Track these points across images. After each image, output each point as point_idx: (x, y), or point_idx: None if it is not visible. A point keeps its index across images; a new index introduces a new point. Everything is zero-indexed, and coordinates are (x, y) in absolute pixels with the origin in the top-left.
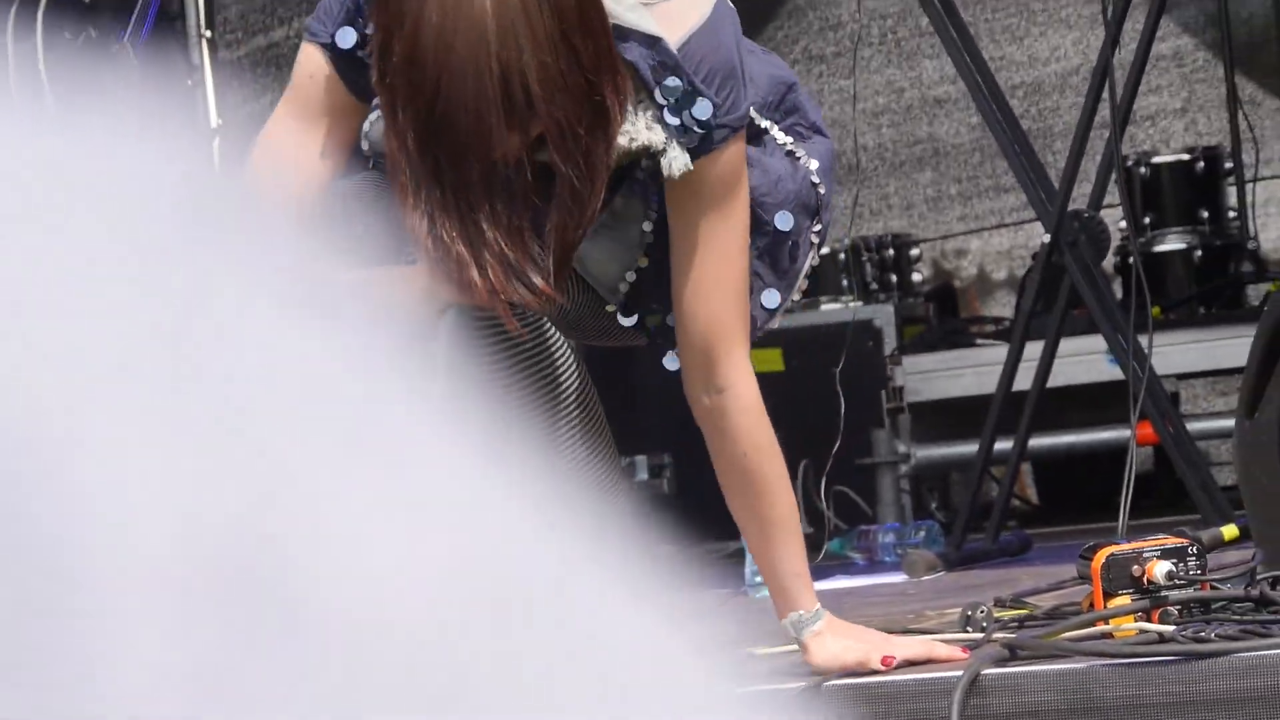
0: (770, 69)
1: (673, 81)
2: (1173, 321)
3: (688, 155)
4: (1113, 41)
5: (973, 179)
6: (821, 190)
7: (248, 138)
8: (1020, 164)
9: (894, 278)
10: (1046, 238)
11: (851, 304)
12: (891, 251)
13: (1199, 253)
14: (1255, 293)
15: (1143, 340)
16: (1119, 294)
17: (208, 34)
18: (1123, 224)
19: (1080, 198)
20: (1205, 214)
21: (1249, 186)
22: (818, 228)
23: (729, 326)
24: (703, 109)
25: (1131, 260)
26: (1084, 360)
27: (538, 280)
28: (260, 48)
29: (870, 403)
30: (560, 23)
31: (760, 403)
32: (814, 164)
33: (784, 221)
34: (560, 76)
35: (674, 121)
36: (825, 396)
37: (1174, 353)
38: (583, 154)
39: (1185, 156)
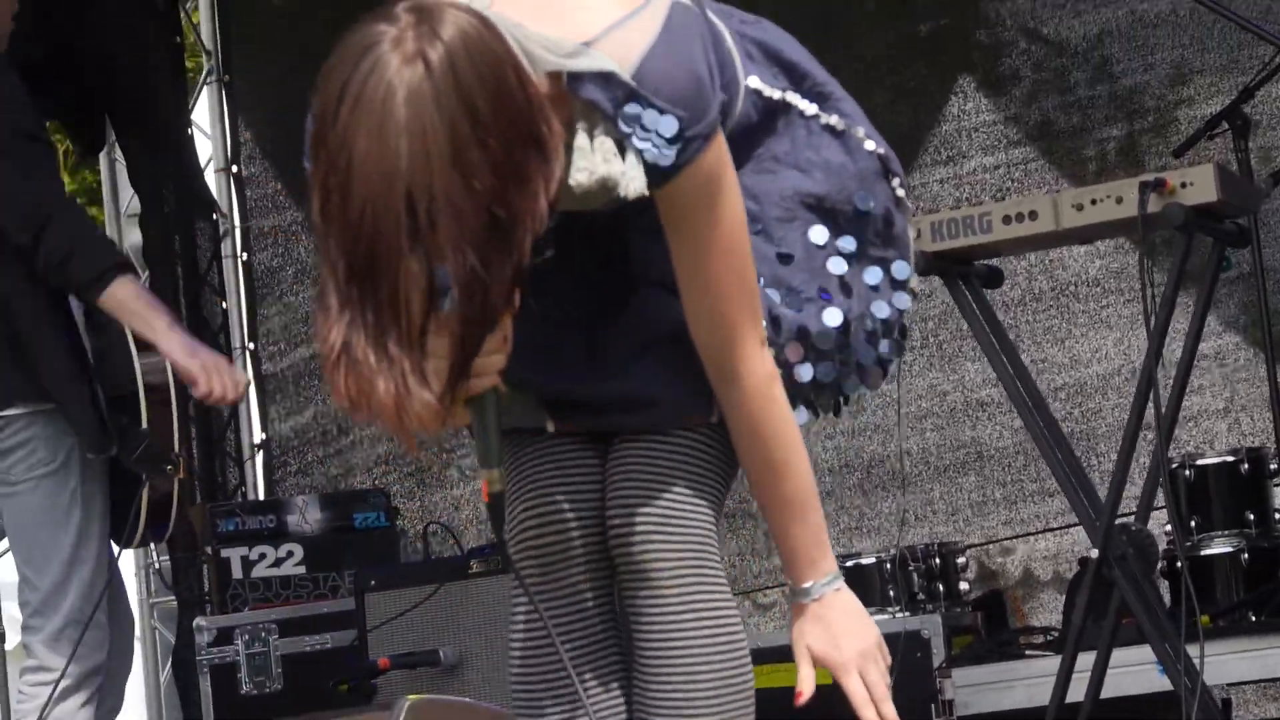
0: (768, 38)
1: (632, 108)
2: (1223, 630)
3: (643, 178)
4: (1156, 354)
5: (1017, 483)
6: (881, 150)
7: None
8: (1064, 472)
9: (941, 586)
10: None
11: (899, 615)
12: (938, 560)
13: (1246, 555)
14: None
15: (1193, 651)
16: (1167, 598)
17: (251, 346)
18: (1169, 527)
19: (1127, 500)
20: (1251, 516)
21: None
22: (896, 182)
23: (730, 320)
24: (668, 125)
25: (1179, 564)
26: (1133, 671)
27: (430, 399)
28: (303, 359)
29: (921, 717)
30: (472, 128)
31: (770, 389)
32: (860, 129)
33: (865, 201)
34: (463, 194)
35: (642, 145)
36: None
37: (1225, 661)
38: (481, 270)
39: (1230, 458)
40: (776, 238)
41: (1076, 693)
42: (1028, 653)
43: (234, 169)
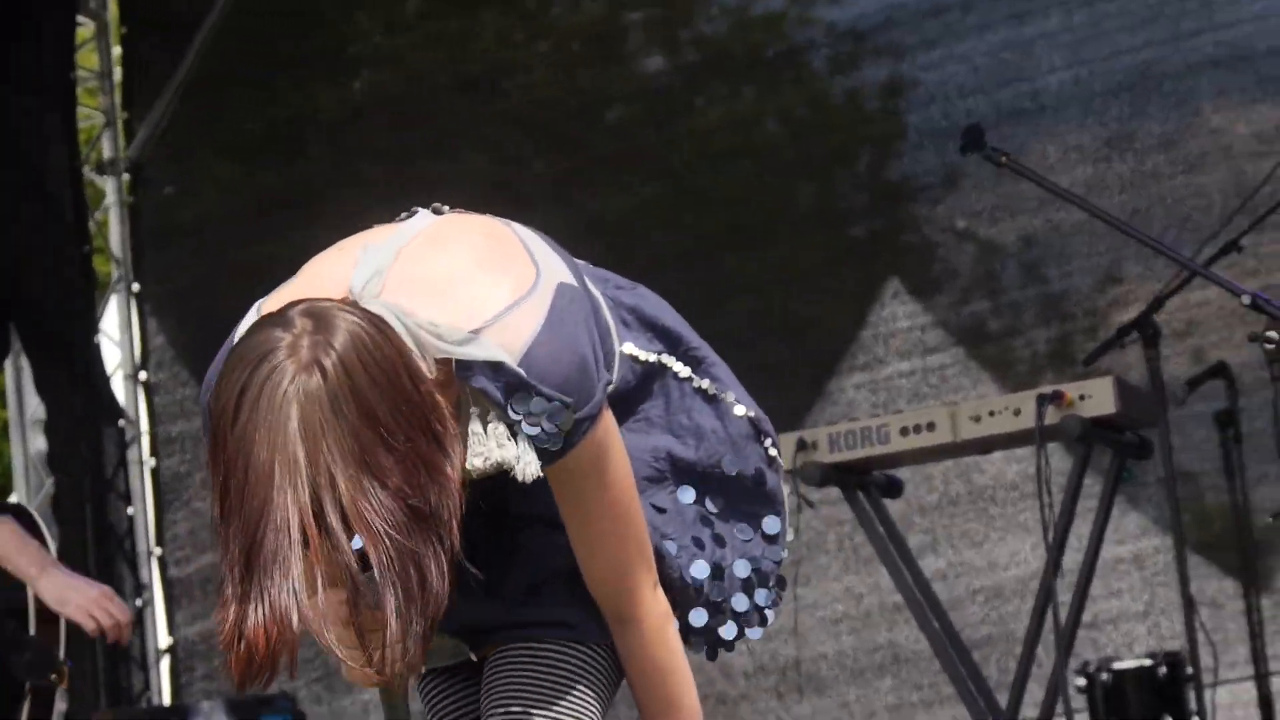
0: (643, 304)
1: (521, 396)
2: None
3: (538, 462)
4: (1054, 564)
5: (934, 685)
6: (751, 414)
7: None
8: (962, 679)
9: None
10: None
11: None
12: None
13: None
14: None
15: None
16: None
17: (158, 551)
18: None
19: (1032, 705)
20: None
21: (1209, 691)
22: (768, 443)
23: (624, 570)
24: (557, 414)
25: None
26: None
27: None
28: (210, 564)
29: None
30: (375, 432)
31: (664, 628)
32: (730, 395)
33: (733, 466)
34: (377, 495)
35: (532, 432)
36: None
37: None
38: (411, 557)
39: (1147, 662)
40: (647, 495)
41: None
42: None
43: (142, 375)
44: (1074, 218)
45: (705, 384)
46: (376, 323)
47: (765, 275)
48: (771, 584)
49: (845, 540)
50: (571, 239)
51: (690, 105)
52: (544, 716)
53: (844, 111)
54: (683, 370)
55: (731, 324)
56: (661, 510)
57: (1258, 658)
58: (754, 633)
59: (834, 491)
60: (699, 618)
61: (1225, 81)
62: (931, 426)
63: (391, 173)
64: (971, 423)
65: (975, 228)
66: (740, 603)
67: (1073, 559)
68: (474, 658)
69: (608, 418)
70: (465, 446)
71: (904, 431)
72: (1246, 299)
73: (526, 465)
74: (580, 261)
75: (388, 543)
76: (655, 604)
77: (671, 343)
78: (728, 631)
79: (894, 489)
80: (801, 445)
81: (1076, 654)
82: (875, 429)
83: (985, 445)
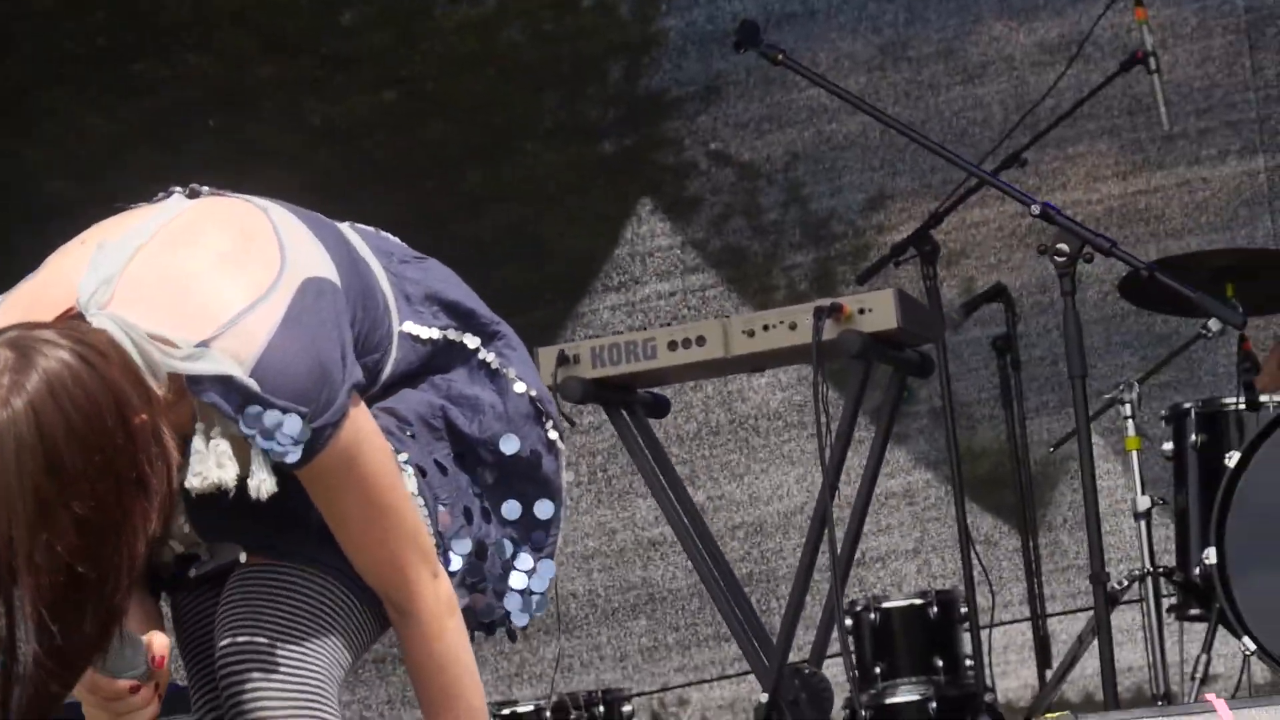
0: (428, 278)
1: (253, 409)
2: None
3: (272, 479)
4: (830, 488)
5: (691, 626)
6: (534, 392)
7: None
8: (734, 616)
9: None
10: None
11: None
12: (602, 708)
13: (934, 704)
14: None
15: None
16: None
17: None
18: (853, 674)
19: (804, 647)
20: (940, 662)
21: (985, 633)
22: (549, 424)
23: (396, 565)
24: (291, 424)
25: (861, 714)
26: None
27: None
28: None
29: None
30: (58, 489)
31: (443, 619)
32: (513, 371)
33: (509, 444)
34: (45, 555)
35: (267, 446)
36: None
37: None
38: (55, 630)
39: (918, 601)
40: (430, 448)
41: None
42: None
43: None
44: (845, 129)
45: (490, 358)
46: (90, 351)
47: (510, 191)
48: (536, 568)
49: (598, 472)
50: (300, 148)
51: (429, 8)
52: (272, 651)
53: (593, 16)
54: (471, 341)
55: (475, 242)
56: (443, 470)
57: (1033, 598)
58: (519, 618)
59: (586, 419)
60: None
61: None
62: (701, 341)
63: (108, 74)
64: (745, 337)
65: (739, 141)
66: (499, 582)
67: (840, 493)
68: (243, 558)
69: (357, 418)
70: (186, 467)
71: (672, 346)
72: (1036, 209)
73: (261, 483)
74: (369, 230)
75: (42, 611)
76: (435, 596)
77: (460, 317)
78: (485, 613)
79: (660, 408)
80: (563, 359)
81: (845, 594)
82: (641, 343)
83: (759, 362)
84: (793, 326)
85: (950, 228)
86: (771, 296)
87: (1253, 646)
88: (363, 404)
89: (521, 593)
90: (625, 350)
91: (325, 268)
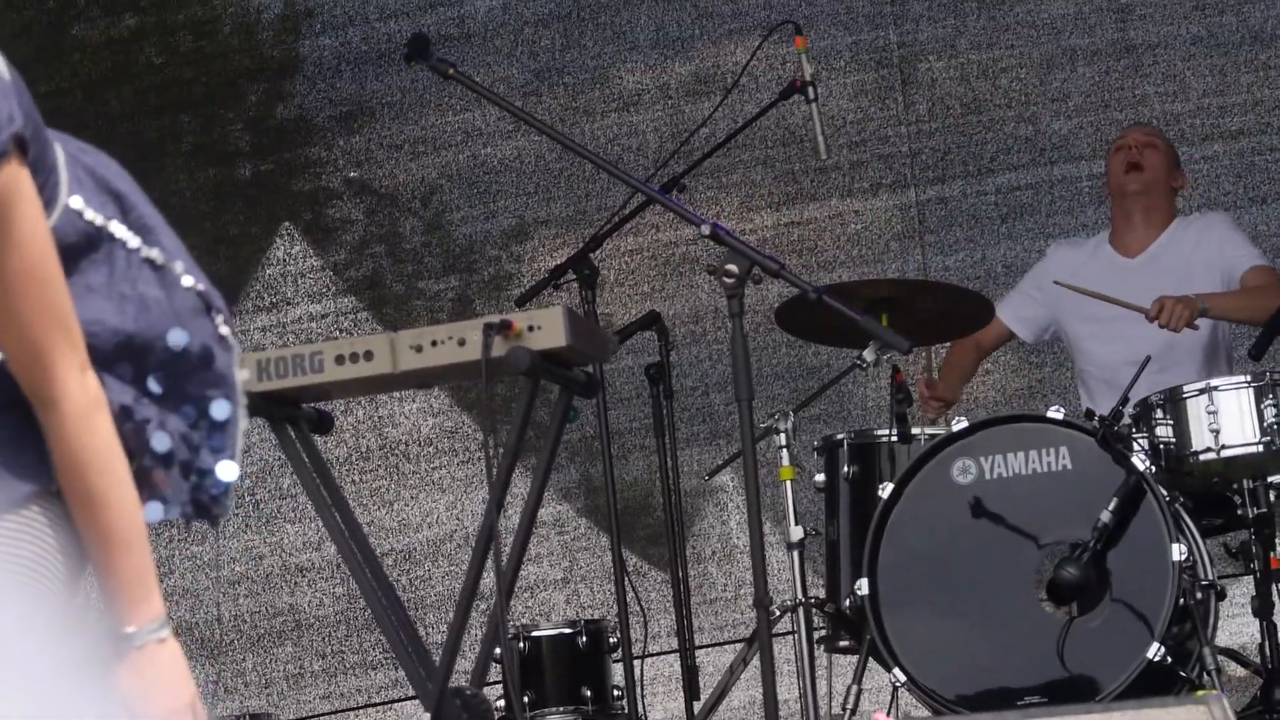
0: (98, 165)
1: None
2: None
3: None
4: (498, 504)
5: (338, 654)
6: (200, 286)
7: None
8: (398, 638)
9: None
10: (426, 717)
11: None
12: None
13: None
14: None
15: None
16: None
17: None
18: (499, 702)
19: (462, 673)
20: (589, 692)
21: (636, 663)
22: (219, 319)
23: (39, 346)
24: None
25: None
26: None
27: None
28: None
29: None
30: None
31: (90, 417)
32: (179, 264)
33: (178, 339)
34: None
35: None
36: None
37: None
38: None
39: (567, 630)
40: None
41: None
42: None
43: None
44: (501, 153)
45: (154, 254)
46: None
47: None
48: (209, 474)
49: (246, 495)
50: None
51: (68, 25)
52: None
53: (232, 39)
54: (132, 240)
55: None
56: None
57: (682, 628)
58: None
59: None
60: None
61: (663, 15)
62: (369, 355)
63: None
64: (412, 352)
65: (392, 163)
66: (178, 494)
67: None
68: None
69: (14, 173)
70: None
71: (339, 360)
72: (706, 229)
73: None
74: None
75: None
76: (80, 388)
77: (123, 208)
78: (150, 512)
79: (325, 424)
80: None
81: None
82: (308, 356)
83: (426, 378)
84: (461, 343)
85: (604, 254)
86: (414, 324)
87: (903, 678)
88: (26, 173)
89: (194, 502)
90: (292, 364)
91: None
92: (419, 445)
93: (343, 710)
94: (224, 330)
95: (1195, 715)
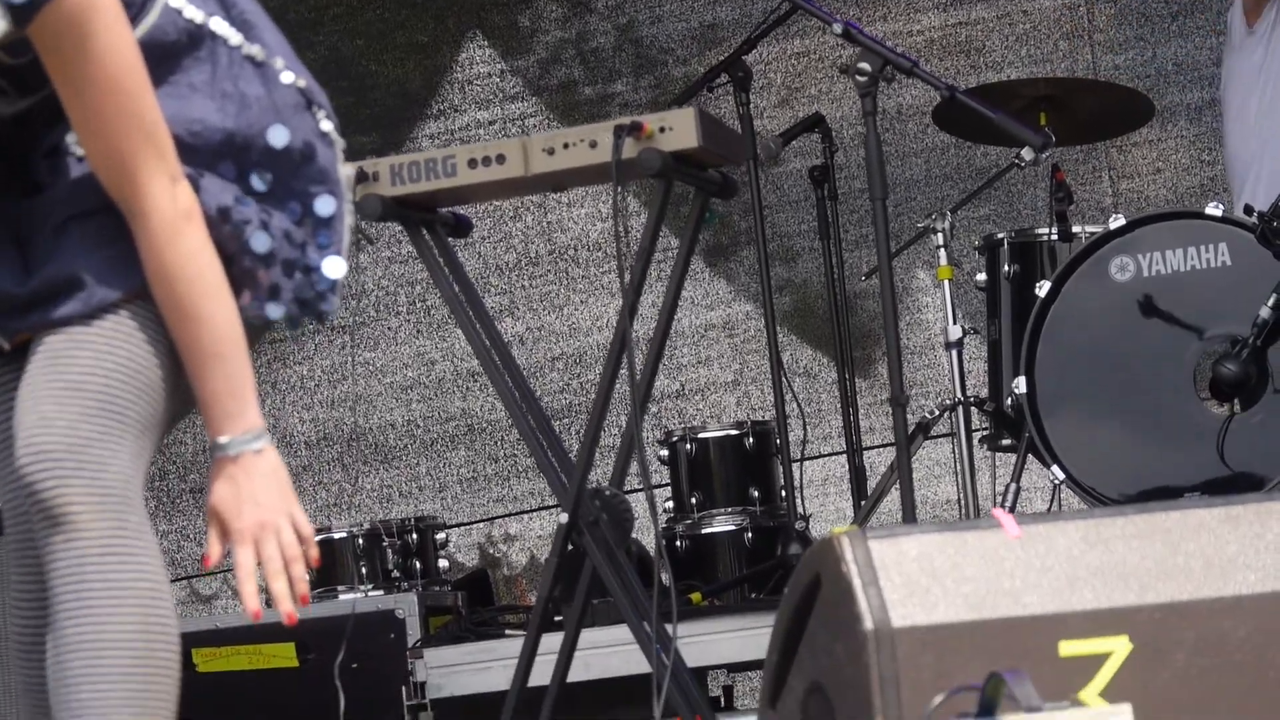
0: None
1: None
2: (720, 608)
3: (5, 18)
4: (630, 309)
5: (510, 458)
6: (302, 82)
7: None
8: (537, 443)
9: (418, 564)
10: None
11: (370, 593)
12: (415, 536)
13: (749, 534)
14: None
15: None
16: (667, 578)
17: None
18: (669, 504)
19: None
20: (756, 493)
21: (800, 465)
22: (321, 115)
23: (126, 157)
24: None
25: (677, 544)
26: (620, 651)
27: None
28: None
29: (391, 700)
30: None
31: (180, 227)
32: (280, 61)
33: (279, 137)
34: None
35: None
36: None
37: (722, 641)
38: None
39: (734, 432)
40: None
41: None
42: (508, 632)
43: None
44: None
45: (255, 50)
46: None
47: (323, 20)
48: (316, 270)
49: (417, 301)
50: None
51: None
52: (77, 431)
53: None
54: (233, 36)
55: None
56: (200, 176)
57: (849, 430)
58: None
59: (405, 248)
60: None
61: None
62: (501, 159)
63: None
64: (544, 155)
65: None
66: (289, 291)
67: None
68: (5, 347)
69: None
70: None
71: (472, 164)
72: (838, 27)
73: None
74: None
75: None
76: (169, 200)
77: (225, 4)
78: (274, 311)
79: (462, 228)
80: (361, 176)
81: (662, 425)
82: (441, 160)
83: (559, 180)
84: (593, 145)
85: (770, 58)
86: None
87: (1061, 476)
88: None
89: (305, 300)
90: (425, 168)
91: None
92: (587, 250)
93: (516, 513)
94: (326, 126)
95: None
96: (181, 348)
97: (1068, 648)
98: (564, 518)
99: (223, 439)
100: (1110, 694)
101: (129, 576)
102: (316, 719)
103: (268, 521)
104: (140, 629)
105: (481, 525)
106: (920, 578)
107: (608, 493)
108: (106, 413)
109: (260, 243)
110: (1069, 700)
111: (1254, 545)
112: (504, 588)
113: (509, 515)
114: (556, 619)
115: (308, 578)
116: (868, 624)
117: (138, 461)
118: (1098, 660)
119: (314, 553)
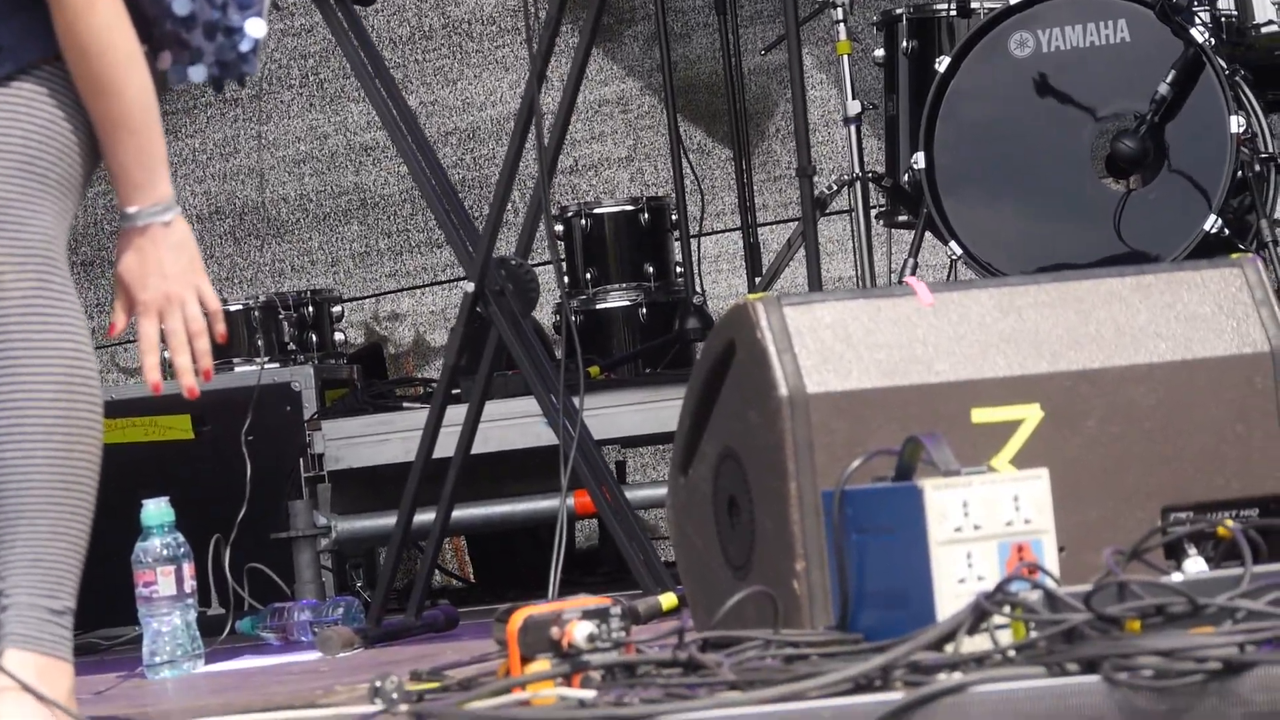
0: None
1: None
2: (615, 382)
3: None
4: (539, 76)
5: (403, 232)
6: None
7: None
8: (444, 214)
9: (314, 337)
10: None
11: (267, 366)
12: (311, 309)
13: (644, 310)
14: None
15: (578, 403)
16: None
17: None
18: (563, 279)
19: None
20: (651, 269)
21: (695, 241)
22: None
23: None
24: None
25: (572, 319)
26: (521, 424)
27: None
28: None
29: (289, 471)
30: None
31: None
32: None
33: None
34: None
35: None
36: (239, 466)
37: (619, 415)
38: None
39: (629, 208)
40: None
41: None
42: (406, 405)
43: None
44: None
45: None
46: None
47: None
48: (238, 31)
49: (310, 75)
50: None
51: None
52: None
53: None
54: None
55: None
56: None
57: (744, 206)
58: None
59: (299, 20)
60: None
61: None
62: None
63: None
64: None
65: None
66: (209, 47)
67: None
68: None
69: None
70: None
71: None
72: None
73: None
74: None
75: None
76: None
77: None
78: (194, 74)
79: None
80: None
81: (557, 200)
82: None
83: None
84: None
85: None
86: None
87: (959, 251)
88: None
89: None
90: None
91: None
92: (482, 24)
93: (410, 288)
94: None
95: (1228, 278)
96: (94, 119)
97: (980, 415)
98: (470, 286)
99: (131, 209)
100: (1021, 460)
101: (51, 336)
102: (213, 490)
103: (173, 294)
104: (64, 388)
105: (369, 300)
106: (835, 344)
107: (513, 262)
108: (26, 173)
109: (181, 6)
110: (984, 466)
111: (1165, 314)
112: (390, 365)
113: (402, 290)
114: (454, 391)
115: (211, 351)
116: (782, 390)
117: (60, 222)
118: (1010, 427)
119: (220, 327)
